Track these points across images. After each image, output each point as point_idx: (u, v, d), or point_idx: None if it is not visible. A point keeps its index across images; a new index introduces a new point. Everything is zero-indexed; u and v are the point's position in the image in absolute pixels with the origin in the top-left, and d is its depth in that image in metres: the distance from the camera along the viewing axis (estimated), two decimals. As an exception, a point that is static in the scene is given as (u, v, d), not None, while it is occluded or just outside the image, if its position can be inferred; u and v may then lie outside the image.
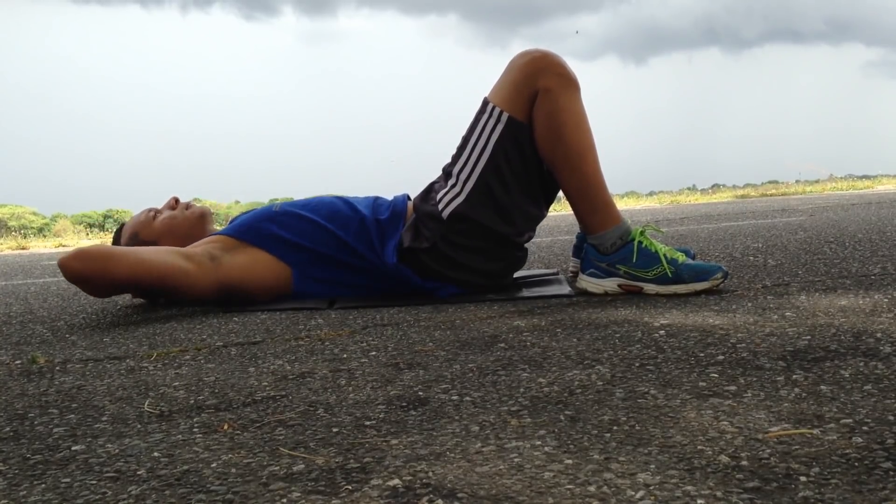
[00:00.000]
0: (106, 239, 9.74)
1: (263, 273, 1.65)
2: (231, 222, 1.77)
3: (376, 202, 1.72)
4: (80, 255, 1.49)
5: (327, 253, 1.65)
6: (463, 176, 1.56)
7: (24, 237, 11.35)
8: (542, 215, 1.66)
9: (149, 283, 1.56)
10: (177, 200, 1.89)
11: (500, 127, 1.53)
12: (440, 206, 1.57)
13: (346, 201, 1.71)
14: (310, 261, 1.66)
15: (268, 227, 1.67)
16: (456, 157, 1.59)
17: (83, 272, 1.48)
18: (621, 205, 11.52)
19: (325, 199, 1.73)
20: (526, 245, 1.67)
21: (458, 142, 1.61)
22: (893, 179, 13.33)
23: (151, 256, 1.55)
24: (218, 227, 1.88)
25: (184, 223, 1.83)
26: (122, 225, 1.92)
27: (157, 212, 1.88)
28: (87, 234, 12.85)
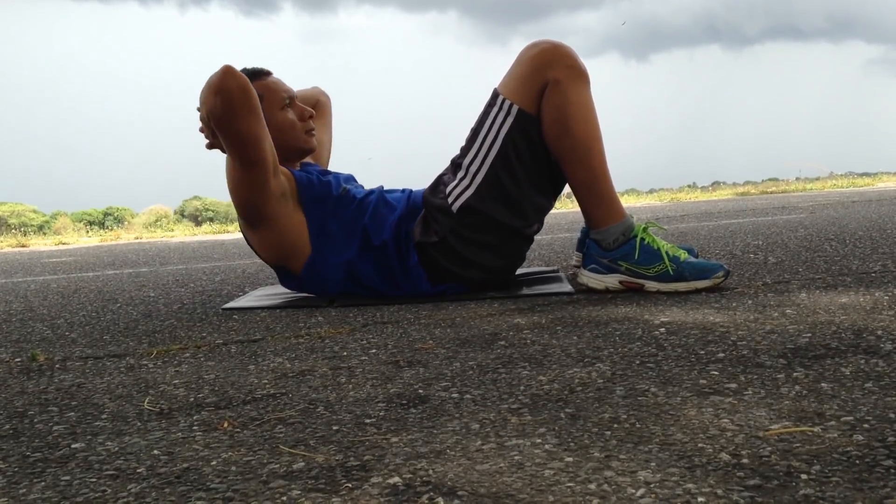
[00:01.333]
0: (106, 237, 9.72)
1: (290, 240, 1.61)
2: (309, 167, 1.70)
3: (410, 198, 1.67)
4: (243, 85, 1.45)
5: (357, 265, 1.61)
6: (473, 168, 1.55)
7: (24, 235, 11.34)
8: (550, 205, 1.65)
9: (246, 150, 1.49)
10: (311, 116, 1.74)
11: (510, 119, 1.52)
12: (450, 200, 1.56)
13: (388, 205, 1.66)
14: (332, 261, 1.62)
15: (325, 211, 1.63)
16: (465, 149, 1.58)
17: (230, 92, 1.44)
18: (622, 202, 11.49)
19: (378, 201, 1.66)
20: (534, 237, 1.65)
21: (466, 134, 1.59)
22: (894, 177, 13.30)
23: (269, 142, 1.52)
24: (296, 167, 1.73)
25: (293, 141, 1.69)
26: (266, 72, 1.71)
27: (291, 104, 1.70)
28: (87, 232, 12.85)
